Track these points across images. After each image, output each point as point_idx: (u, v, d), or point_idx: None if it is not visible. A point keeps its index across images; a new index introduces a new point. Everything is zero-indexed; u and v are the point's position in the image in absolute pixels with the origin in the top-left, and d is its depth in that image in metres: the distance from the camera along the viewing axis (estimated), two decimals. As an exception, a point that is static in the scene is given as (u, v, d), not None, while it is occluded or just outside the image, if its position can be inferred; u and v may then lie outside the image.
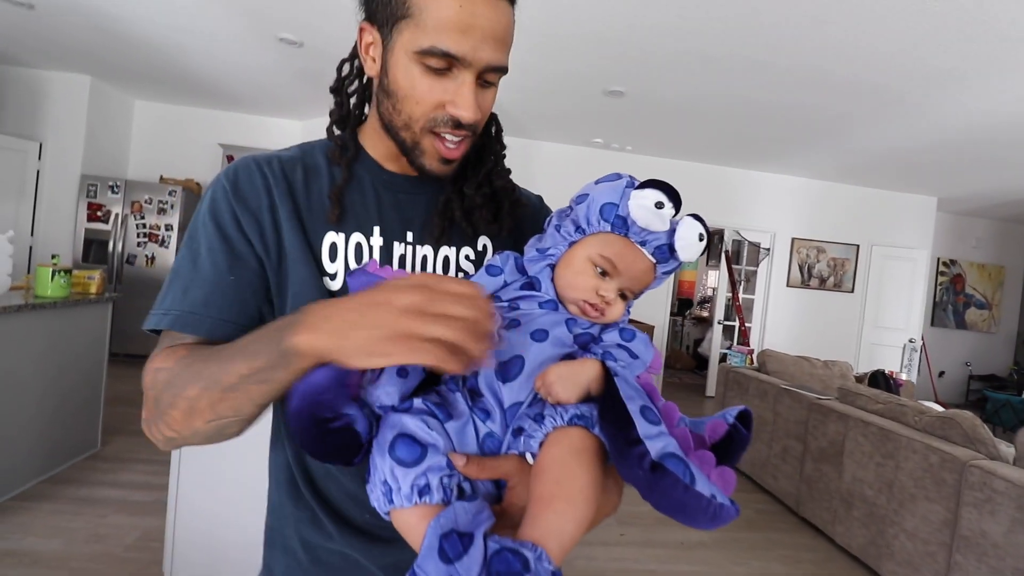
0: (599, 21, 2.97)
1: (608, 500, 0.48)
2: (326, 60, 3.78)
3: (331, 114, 0.64)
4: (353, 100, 0.64)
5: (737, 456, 0.48)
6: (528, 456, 0.46)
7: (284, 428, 0.61)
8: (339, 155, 0.61)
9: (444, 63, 0.52)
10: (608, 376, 0.46)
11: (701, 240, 0.52)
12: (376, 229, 0.60)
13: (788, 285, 6.27)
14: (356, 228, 0.60)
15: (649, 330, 5.31)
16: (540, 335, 0.50)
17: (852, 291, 6.33)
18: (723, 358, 6.08)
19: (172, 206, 5.05)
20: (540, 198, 0.75)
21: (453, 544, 0.39)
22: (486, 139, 0.66)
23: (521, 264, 0.59)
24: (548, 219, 0.59)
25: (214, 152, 5.55)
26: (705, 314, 8.34)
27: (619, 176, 0.55)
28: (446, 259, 0.63)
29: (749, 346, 5.90)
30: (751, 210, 6.17)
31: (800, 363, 3.93)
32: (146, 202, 5.02)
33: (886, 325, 6.39)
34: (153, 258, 5.03)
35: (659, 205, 0.52)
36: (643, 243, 0.53)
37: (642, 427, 0.43)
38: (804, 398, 3.13)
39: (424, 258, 0.62)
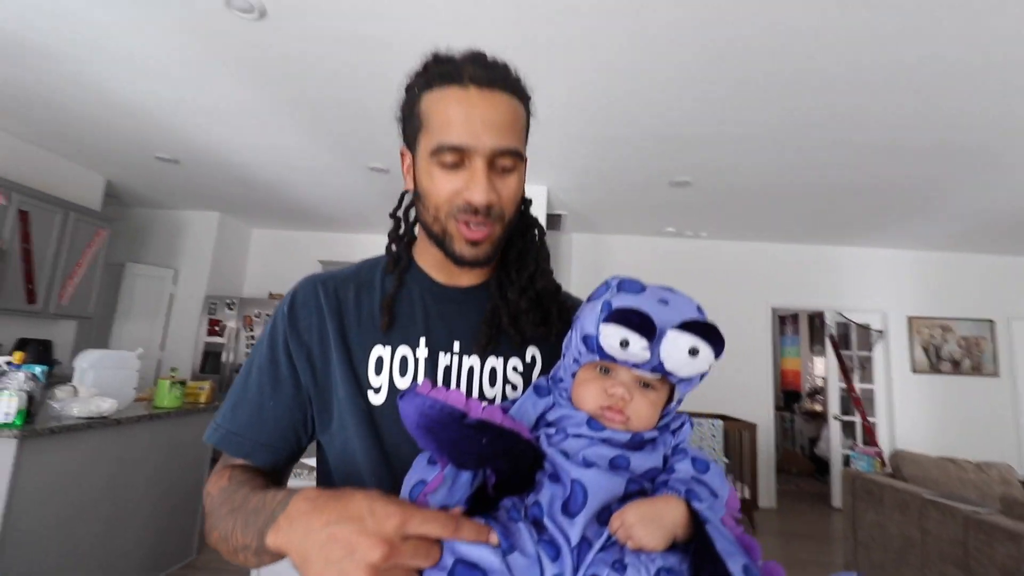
0: (654, 119, 3.04)
1: None
2: (410, 180, 4.21)
3: (389, 235, 0.67)
4: (411, 219, 0.68)
5: None
6: None
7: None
8: (393, 265, 0.65)
9: (455, 157, 0.56)
10: (697, 521, 0.41)
11: (694, 355, 0.45)
12: (422, 340, 0.61)
13: (914, 371, 5.49)
14: (402, 341, 0.60)
15: (751, 428, 4.80)
16: (590, 461, 0.44)
17: (996, 374, 5.42)
18: (846, 460, 5.30)
19: (277, 319, 5.55)
20: None
21: None
22: (528, 244, 0.66)
23: None
24: (565, 339, 0.56)
25: (314, 268, 6.14)
26: (818, 407, 7.45)
27: (607, 287, 0.52)
28: (492, 370, 0.61)
29: (876, 445, 5.13)
30: (853, 289, 5.65)
31: (944, 466, 3.31)
32: (255, 316, 5.57)
33: (1053, 415, 5.33)
34: (258, 367, 5.45)
35: (624, 344, 0.46)
36: (634, 366, 0.48)
37: None
38: (958, 512, 2.59)
39: (471, 369, 0.61)
